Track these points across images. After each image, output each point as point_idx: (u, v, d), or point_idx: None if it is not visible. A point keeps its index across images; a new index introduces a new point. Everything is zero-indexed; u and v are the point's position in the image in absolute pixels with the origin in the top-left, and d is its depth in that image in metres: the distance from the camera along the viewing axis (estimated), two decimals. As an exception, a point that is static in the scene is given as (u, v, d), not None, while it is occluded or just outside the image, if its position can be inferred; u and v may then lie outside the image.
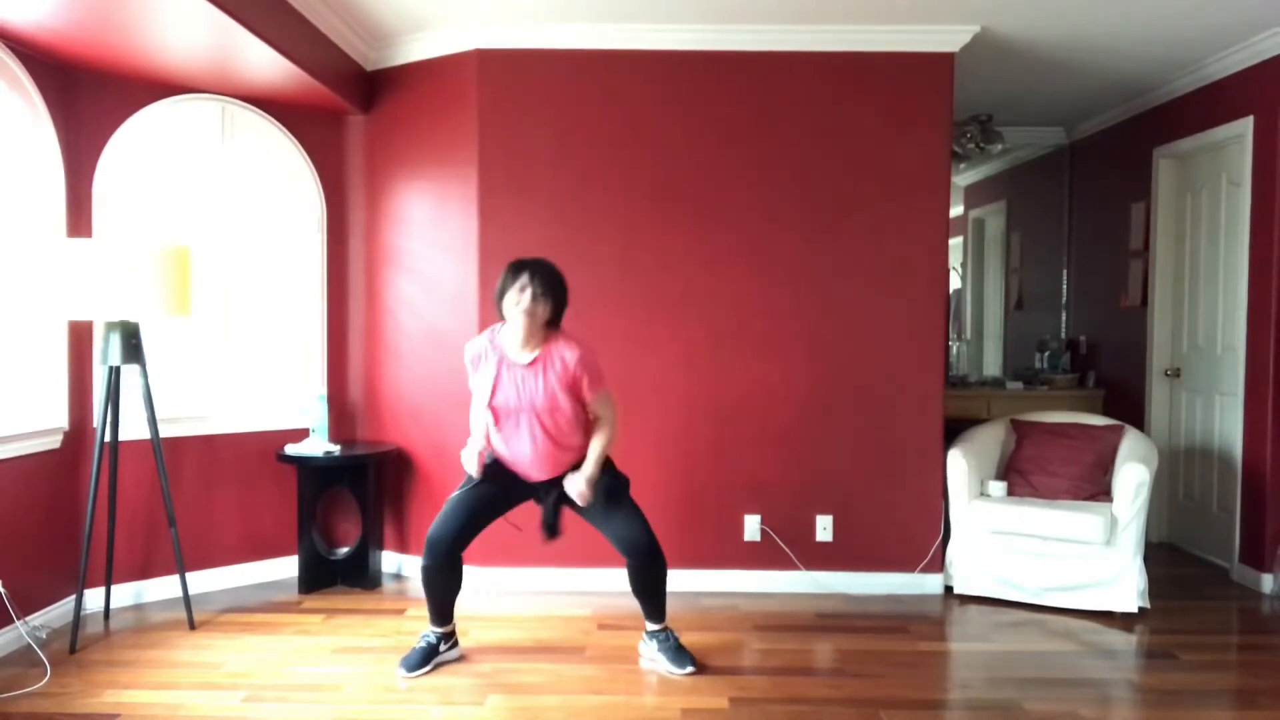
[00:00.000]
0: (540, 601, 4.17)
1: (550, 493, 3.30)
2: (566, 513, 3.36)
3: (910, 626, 3.92)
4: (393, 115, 4.56)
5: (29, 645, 3.50)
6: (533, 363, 3.19)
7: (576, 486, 3.22)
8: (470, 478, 3.32)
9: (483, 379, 3.24)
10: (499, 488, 3.32)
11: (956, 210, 6.55)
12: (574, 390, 3.21)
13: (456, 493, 3.33)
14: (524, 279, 3.12)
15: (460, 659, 3.50)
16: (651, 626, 3.47)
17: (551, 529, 3.29)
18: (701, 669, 3.39)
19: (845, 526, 4.37)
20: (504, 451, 3.29)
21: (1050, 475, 4.35)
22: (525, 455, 3.25)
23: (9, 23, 3.30)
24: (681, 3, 3.93)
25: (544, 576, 4.36)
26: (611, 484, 3.32)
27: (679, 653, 3.40)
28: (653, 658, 3.45)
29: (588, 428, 3.30)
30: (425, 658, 3.38)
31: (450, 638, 3.48)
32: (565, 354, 3.18)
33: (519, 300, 3.12)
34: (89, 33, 3.43)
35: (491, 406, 3.22)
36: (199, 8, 3.07)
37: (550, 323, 3.21)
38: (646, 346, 4.31)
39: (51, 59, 3.72)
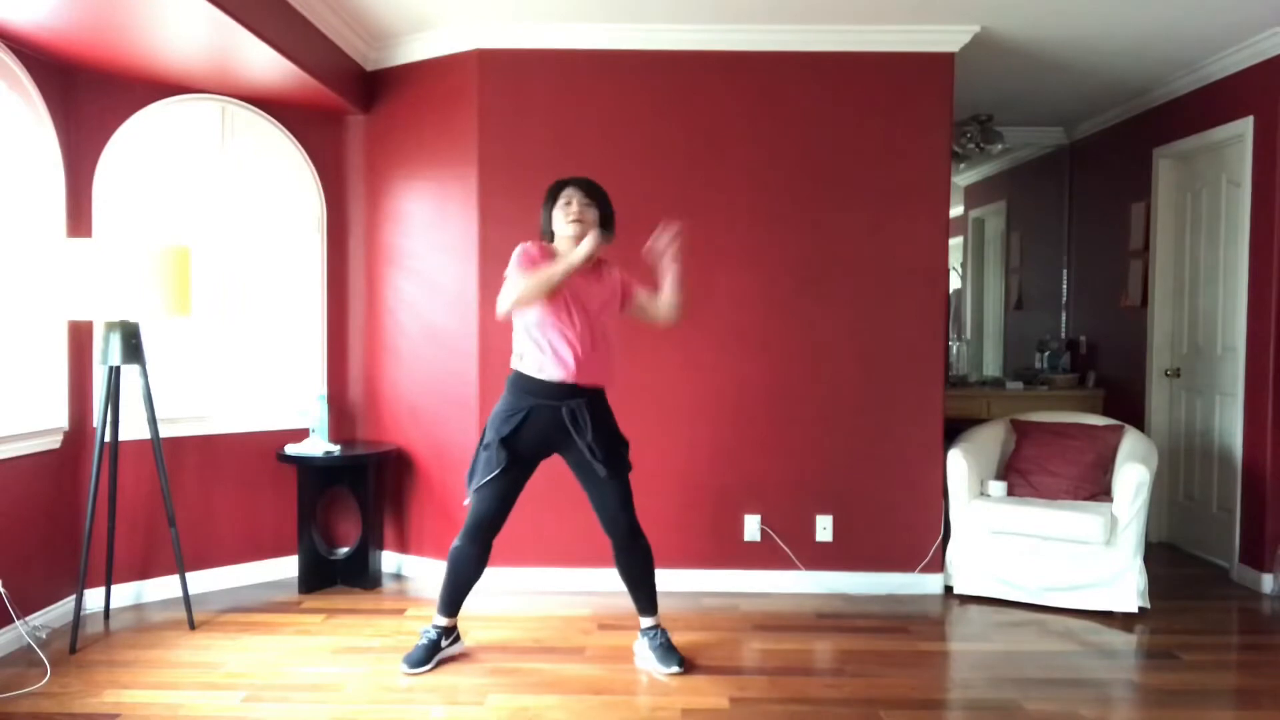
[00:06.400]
0: (540, 601, 4.17)
1: (584, 432, 3.23)
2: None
3: (910, 626, 3.92)
4: (393, 115, 4.57)
5: (29, 645, 3.50)
6: (592, 270, 3.28)
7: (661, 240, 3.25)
8: (490, 464, 3.24)
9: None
10: (523, 464, 3.30)
11: (956, 210, 6.55)
12: (626, 293, 3.38)
13: (484, 479, 3.26)
14: (567, 192, 3.28)
15: (463, 654, 3.50)
16: (645, 624, 3.48)
17: (602, 464, 3.25)
18: (690, 668, 3.38)
19: (845, 526, 4.37)
20: (563, 355, 3.19)
21: (1050, 475, 4.35)
22: (582, 359, 3.20)
23: (9, 23, 3.30)
24: (681, 3, 3.93)
25: (544, 576, 4.36)
26: (615, 446, 3.32)
27: (667, 652, 3.40)
28: (644, 656, 3.45)
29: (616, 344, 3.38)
30: (429, 654, 3.38)
31: (452, 632, 3.48)
32: (615, 270, 3.40)
33: (568, 212, 3.24)
34: (89, 33, 3.43)
35: (556, 313, 3.19)
36: (199, 8, 3.07)
37: (602, 231, 3.29)
38: (646, 346, 4.31)
39: (51, 59, 3.72)
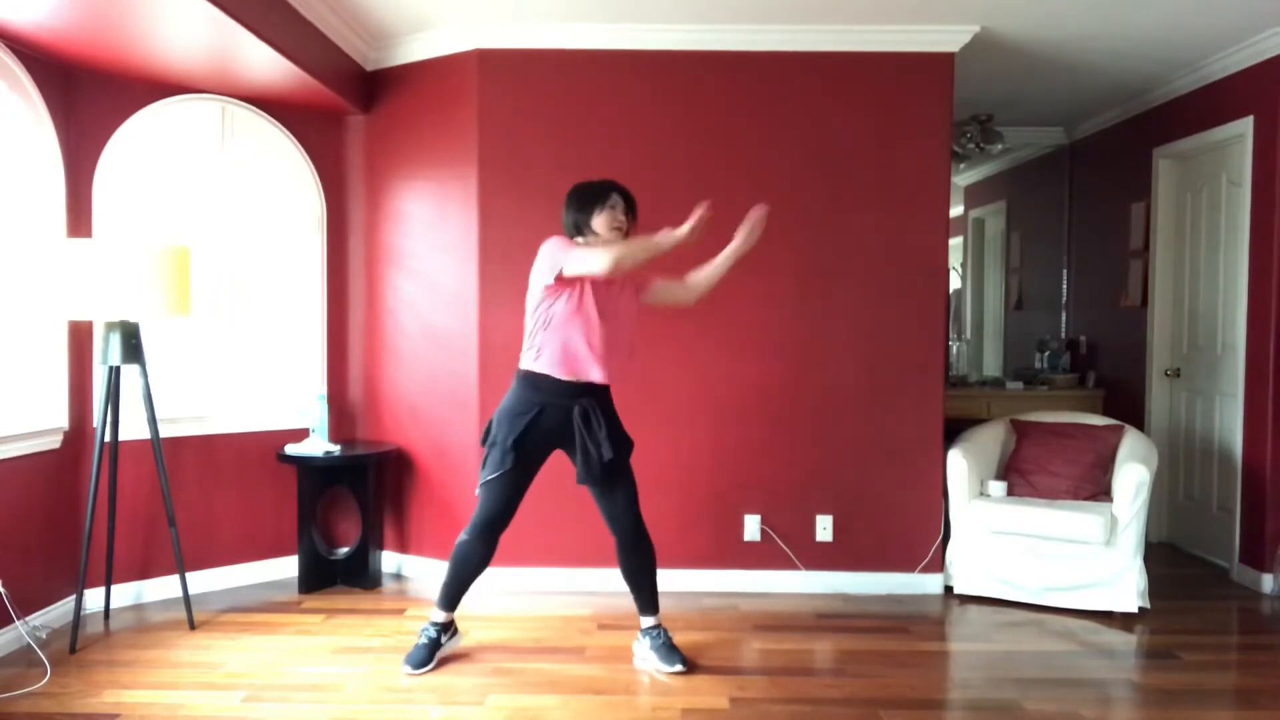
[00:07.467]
0: (540, 601, 4.17)
1: (596, 433, 3.23)
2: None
3: (910, 626, 3.92)
4: (393, 115, 4.57)
5: (29, 645, 3.50)
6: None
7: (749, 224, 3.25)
8: (503, 460, 3.21)
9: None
10: (531, 461, 3.28)
11: (956, 210, 6.55)
12: (642, 284, 3.39)
13: (493, 476, 3.24)
14: (614, 197, 3.28)
15: (463, 654, 3.50)
16: (645, 623, 3.47)
17: (601, 465, 3.23)
18: (692, 668, 3.38)
19: (845, 526, 4.37)
20: (580, 354, 3.19)
21: (1050, 475, 4.35)
22: (600, 358, 3.19)
23: (9, 23, 3.30)
24: (681, 3, 3.93)
25: (544, 576, 4.36)
26: (620, 447, 3.31)
27: (669, 651, 3.40)
28: (645, 656, 3.45)
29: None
30: (429, 653, 3.38)
31: (450, 628, 3.48)
32: None
33: (613, 219, 3.25)
34: (89, 33, 3.43)
35: (580, 312, 3.18)
36: (199, 8, 3.07)
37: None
38: (645, 346, 4.29)
39: (51, 59, 3.72)
